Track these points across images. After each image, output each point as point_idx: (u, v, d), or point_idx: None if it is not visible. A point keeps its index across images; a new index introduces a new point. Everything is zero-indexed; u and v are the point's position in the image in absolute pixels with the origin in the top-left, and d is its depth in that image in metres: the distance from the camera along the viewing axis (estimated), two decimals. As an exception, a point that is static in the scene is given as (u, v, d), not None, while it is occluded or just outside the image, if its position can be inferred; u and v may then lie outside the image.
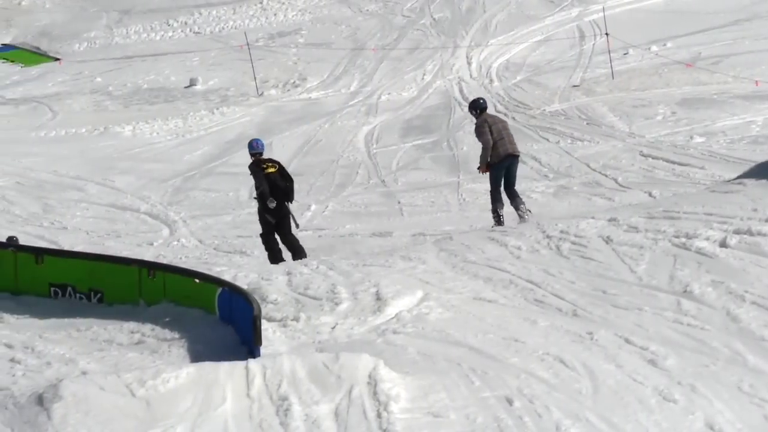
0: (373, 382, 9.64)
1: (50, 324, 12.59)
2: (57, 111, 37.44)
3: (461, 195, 23.01)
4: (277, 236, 17.47)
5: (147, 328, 12.04)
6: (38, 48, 48.42)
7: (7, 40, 49.99)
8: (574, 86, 34.02)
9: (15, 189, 27.51)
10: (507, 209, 17.77)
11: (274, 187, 17.29)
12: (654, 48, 36.99)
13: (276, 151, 30.22)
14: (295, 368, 9.82)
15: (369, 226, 21.27)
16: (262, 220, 17.49)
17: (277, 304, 12.14)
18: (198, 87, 39.61)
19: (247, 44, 40.36)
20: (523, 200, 17.81)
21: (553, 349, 10.42)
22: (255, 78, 38.54)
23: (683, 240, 12.65)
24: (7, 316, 13.07)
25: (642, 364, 9.99)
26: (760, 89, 29.94)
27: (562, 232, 13.89)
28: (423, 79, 37.98)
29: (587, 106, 31.04)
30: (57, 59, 46.13)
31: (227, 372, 9.70)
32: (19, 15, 52.71)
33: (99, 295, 13.39)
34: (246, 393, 9.55)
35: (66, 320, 12.65)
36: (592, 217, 14.46)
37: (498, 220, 17.57)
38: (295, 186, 17.83)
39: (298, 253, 17.12)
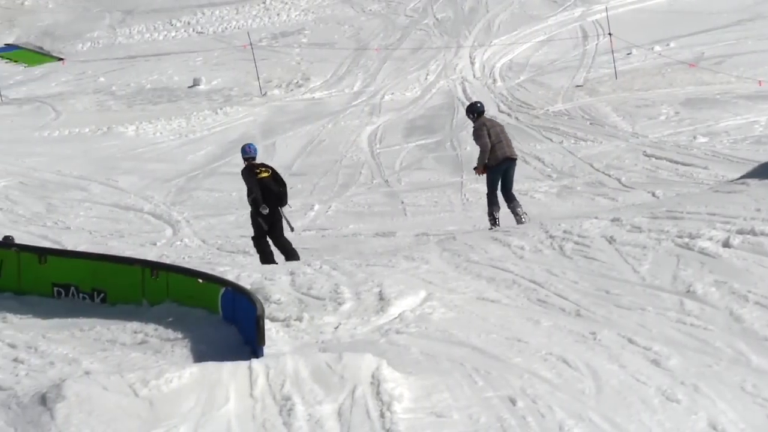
0: (376, 382, 9.64)
1: (53, 324, 12.60)
2: (60, 111, 37.43)
3: (464, 195, 23.01)
4: (269, 239, 17.52)
5: (150, 328, 12.05)
6: (41, 48, 48.41)
7: (11, 40, 49.99)
8: (578, 86, 34.00)
9: (18, 189, 27.51)
10: (504, 211, 17.81)
11: (267, 192, 17.32)
12: (657, 48, 36.96)
13: (279, 151, 30.26)
14: (299, 368, 9.83)
15: (372, 226, 21.28)
16: (255, 225, 17.53)
17: (281, 304, 12.15)
18: (201, 87, 39.60)
19: (250, 44, 40.35)
20: (520, 203, 17.90)
21: (556, 349, 10.42)
22: (258, 78, 38.53)
23: (686, 240, 12.65)
24: (10, 316, 13.07)
25: (645, 364, 9.99)
26: (763, 89, 29.91)
27: (565, 232, 13.89)
28: (426, 79, 37.95)
29: (590, 106, 31.03)
30: (60, 59, 46.12)
31: (230, 372, 9.71)
32: (22, 15, 52.72)
33: (102, 295, 13.40)
34: (249, 393, 9.55)
35: (69, 320, 12.65)
36: (596, 217, 14.46)
37: (493, 222, 17.67)
38: (289, 189, 17.83)
39: (290, 256, 17.14)
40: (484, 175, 17.94)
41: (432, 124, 31.81)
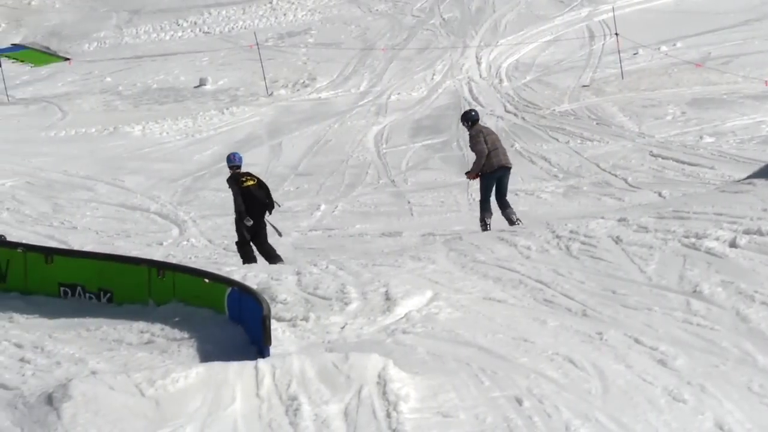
0: (382, 382, 9.64)
1: (60, 324, 12.61)
2: (67, 111, 37.47)
3: (471, 195, 22.97)
4: (254, 245, 17.62)
5: (156, 327, 12.06)
6: (48, 48, 48.48)
7: (17, 40, 50.07)
8: (584, 86, 33.98)
9: (25, 189, 27.54)
10: (496, 217, 17.91)
11: (252, 200, 17.44)
12: (664, 48, 36.94)
13: (285, 151, 30.29)
14: (305, 368, 9.83)
15: (378, 226, 21.28)
16: (239, 232, 17.61)
17: (287, 304, 12.15)
18: (207, 87, 39.63)
19: (257, 44, 40.38)
20: (514, 210, 18.06)
21: (562, 349, 10.42)
22: (264, 78, 38.55)
23: (693, 240, 12.64)
24: (17, 316, 13.09)
25: (651, 364, 9.98)
26: (770, 89, 29.91)
27: (571, 232, 13.89)
28: (432, 79, 37.95)
29: (597, 106, 31.01)
30: (67, 59, 46.18)
31: (237, 372, 9.71)
32: (28, 15, 52.79)
33: (108, 295, 13.41)
34: (255, 393, 9.56)
35: (75, 320, 12.67)
36: (602, 217, 14.45)
37: (484, 228, 17.78)
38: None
39: (273, 261, 17.20)
40: (476, 180, 18.28)
41: (438, 124, 31.80)
